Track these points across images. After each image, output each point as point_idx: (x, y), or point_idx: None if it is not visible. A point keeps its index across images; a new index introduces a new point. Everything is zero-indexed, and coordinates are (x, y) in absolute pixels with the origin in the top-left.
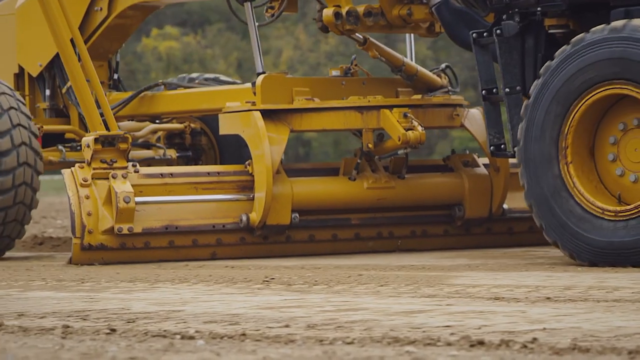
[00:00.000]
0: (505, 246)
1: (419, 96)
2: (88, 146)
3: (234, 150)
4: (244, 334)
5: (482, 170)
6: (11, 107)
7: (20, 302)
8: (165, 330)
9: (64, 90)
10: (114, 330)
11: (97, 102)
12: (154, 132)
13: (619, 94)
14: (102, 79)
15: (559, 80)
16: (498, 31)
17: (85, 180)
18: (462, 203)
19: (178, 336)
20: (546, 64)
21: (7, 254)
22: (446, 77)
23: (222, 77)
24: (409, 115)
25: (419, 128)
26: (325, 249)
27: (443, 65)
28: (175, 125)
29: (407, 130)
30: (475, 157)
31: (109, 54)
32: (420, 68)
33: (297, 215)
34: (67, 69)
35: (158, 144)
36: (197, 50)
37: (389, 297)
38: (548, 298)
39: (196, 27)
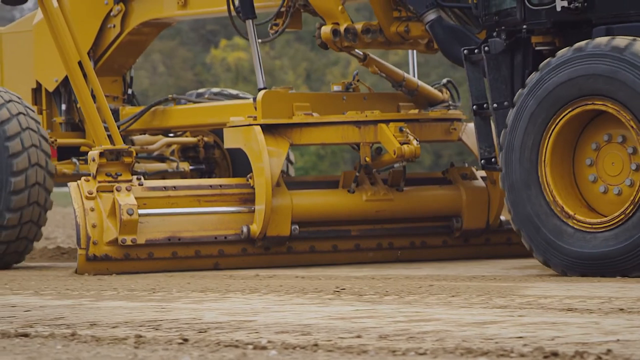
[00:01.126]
0: (503, 257)
1: (416, 111)
2: (93, 160)
3: (247, 163)
4: (316, 345)
5: (480, 182)
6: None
7: (92, 312)
8: (237, 341)
9: (79, 105)
10: (186, 340)
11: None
12: (169, 145)
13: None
14: (116, 94)
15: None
16: (486, 48)
17: (91, 193)
18: (459, 215)
19: (250, 346)
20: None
21: (55, 263)
22: (448, 92)
23: (228, 91)
24: (404, 129)
25: (414, 142)
26: (326, 260)
27: (444, 80)
28: (188, 139)
29: (402, 144)
30: (474, 169)
31: (123, 69)
32: (421, 83)
33: (297, 227)
34: (74, 86)
35: (172, 157)
36: (266, 61)
37: (461, 308)
38: (621, 309)
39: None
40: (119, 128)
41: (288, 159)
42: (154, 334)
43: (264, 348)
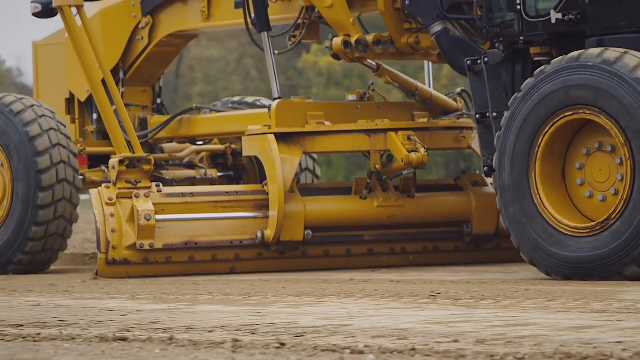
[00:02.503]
0: (514, 261)
1: (426, 120)
2: (113, 167)
3: None
4: (413, 349)
5: (490, 189)
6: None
7: (188, 316)
8: (334, 345)
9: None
10: (283, 344)
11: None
12: (198, 153)
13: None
14: (146, 103)
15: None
16: (486, 59)
17: (111, 200)
18: (470, 220)
19: (347, 351)
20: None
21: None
22: (462, 101)
23: (248, 99)
24: (412, 137)
25: (422, 150)
26: (340, 264)
27: (459, 90)
28: (216, 147)
29: (410, 152)
30: (484, 176)
31: (152, 79)
32: (434, 92)
33: (311, 232)
34: (95, 97)
35: (200, 165)
36: (358, 65)
37: (558, 312)
38: None
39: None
40: (146, 136)
41: (314, 172)
42: (250, 338)
43: (361, 352)
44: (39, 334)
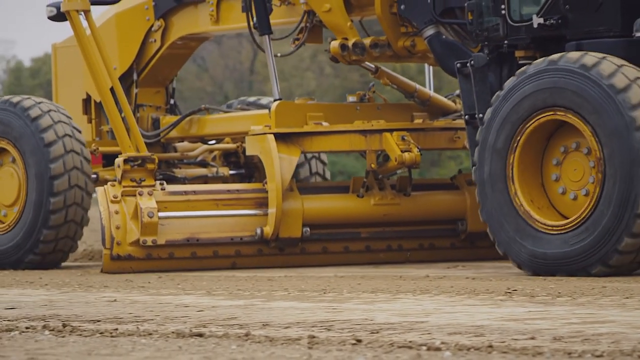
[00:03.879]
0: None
1: (420, 120)
2: (119, 166)
3: None
4: (490, 346)
5: None
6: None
7: (264, 312)
8: (410, 342)
9: (122, 115)
10: (359, 340)
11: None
12: (211, 151)
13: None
14: (159, 104)
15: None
16: (472, 62)
17: (116, 197)
18: (464, 218)
19: (424, 347)
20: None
21: None
22: (461, 102)
23: (263, 100)
24: (406, 138)
25: (415, 150)
26: (338, 260)
27: (457, 91)
28: (228, 145)
29: (403, 151)
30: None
31: (166, 80)
32: (433, 94)
33: (309, 229)
34: (102, 99)
35: (212, 163)
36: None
37: (636, 310)
38: None
39: None
40: (158, 135)
41: (323, 176)
42: (326, 335)
43: (437, 349)
44: (116, 329)
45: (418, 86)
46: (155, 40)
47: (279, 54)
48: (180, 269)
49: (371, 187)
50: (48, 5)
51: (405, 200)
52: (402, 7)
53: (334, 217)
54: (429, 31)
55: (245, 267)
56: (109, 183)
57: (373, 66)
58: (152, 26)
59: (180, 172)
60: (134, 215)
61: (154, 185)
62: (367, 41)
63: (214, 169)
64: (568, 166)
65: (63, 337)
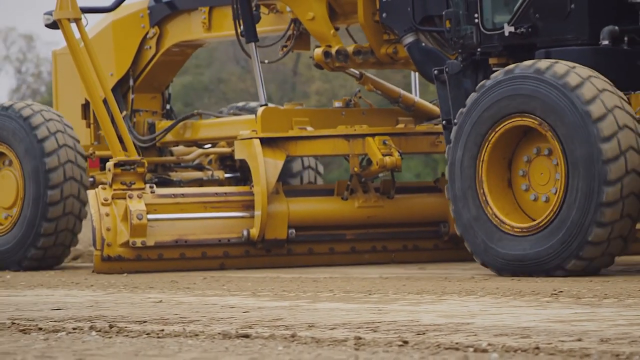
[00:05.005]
0: None
1: (402, 125)
2: (109, 170)
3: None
4: (537, 348)
5: None
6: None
7: (309, 313)
8: (457, 343)
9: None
10: (406, 342)
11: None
12: (207, 155)
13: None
14: (155, 109)
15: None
16: (447, 69)
17: (106, 200)
18: (447, 220)
19: (471, 349)
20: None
21: None
22: None
23: (252, 104)
24: (387, 142)
25: (396, 154)
26: (324, 261)
27: None
28: (223, 149)
29: (384, 155)
30: None
31: (162, 86)
32: (417, 99)
33: (294, 230)
34: (93, 107)
35: (207, 167)
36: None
37: None
38: None
39: None
40: (153, 140)
41: (316, 170)
42: (373, 336)
43: (484, 351)
44: (162, 330)
45: (402, 92)
46: (150, 47)
47: (266, 61)
48: (169, 269)
49: (355, 190)
50: (45, 14)
51: (388, 202)
52: (384, 15)
53: (319, 219)
54: (409, 39)
55: (233, 268)
56: (100, 186)
57: (358, 72)
58: (147, 33)
59: (175, 176)
60: (124, 217)
61: (143, 189)
62: (350, 48)
63: (209, 172)
64: (534, 173)
65: (110, 337)
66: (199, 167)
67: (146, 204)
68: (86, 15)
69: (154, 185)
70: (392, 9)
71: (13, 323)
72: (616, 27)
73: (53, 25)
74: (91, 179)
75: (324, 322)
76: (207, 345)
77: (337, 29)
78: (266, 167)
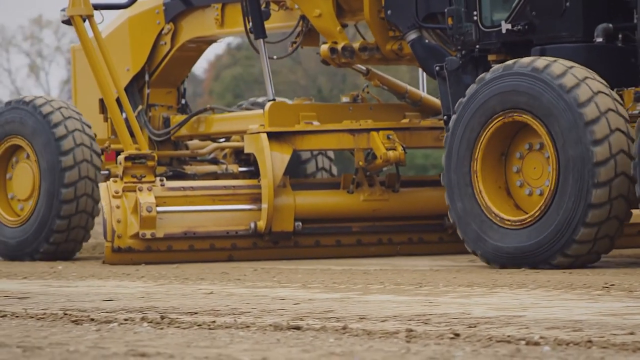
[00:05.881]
0: None
1: (407, 120)
2: (120, 163)
3: (294, 165)
4: (589, 341)
5: None
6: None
7: (360, 305)
8: (508, 336)
9: (135, 114)
10: (457, 334)
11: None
12: (222, 149)
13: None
14: (171, 104)
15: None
16: (446, 65)
17: (117, 192)
18: None
19: (523, 342)
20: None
21: None
22: None
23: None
24: (391, 137)
25: (400, 148)
26: (331, 253)
27: None
28: (237, 143)
29: (388, 150)
30: None
31: (177, 81)
32: (424, 95)
33: (300, 223)
34: (105, 101)
35: (222, 160)
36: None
37: None
38: None
39: None
40: (168, 134)
41: (330, 172)
42: (424, 328)
43: (536, 344)
44: (214, 321)
45: (409, 87)
46: (165, 43)
47: (274, 57)
48: (178, 261)
49: (361, 184)
50: (62, 10)
51: (393, 196)
52: (389, 12)
53: (324, 212)
54: (412, 35)
55: (241, 259)
56: (111, 179)
57: (364, 68)
58: (162, 29)
59: (190, 169)
60: (134, 209)
61: (154, 182)
62: (356, 45)
63: (224, 166)
64: (528, 168)
65: (161, 329)
66: (214, 161)
67: (156, 197)
68: (102, 11)
69: (164, 179)
70: (396, 6)
71: (65, 314)
72: (610, 25)
73: (69, 21)
74: (106, 172)
75: (374, 314)
76: (258, 336)
77: (345, 26)
78: (273, 160)
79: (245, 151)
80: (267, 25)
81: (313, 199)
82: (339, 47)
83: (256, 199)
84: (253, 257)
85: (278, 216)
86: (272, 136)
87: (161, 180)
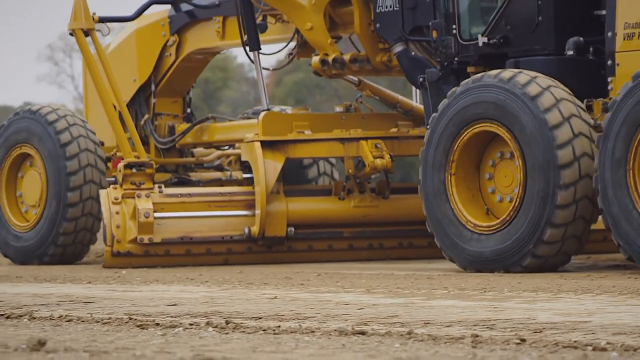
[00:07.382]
0: None
1: (395, 129)
2: (120, 171)
3: (296, 171)
4: None
5: None
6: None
7: (425, 311)
8: (575, 342)
9: (142, 123)
10: (523, 340)
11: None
12: (227, 156)
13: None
14: (176, 113)
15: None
16: (426, 77)
17: (117, 199)
18: None
19: (589, 347)
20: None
21: None
22: None
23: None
24: (379, 145)
25: (387, 156)
26: (323, 258)
27: None
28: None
29: (376, 158)
30: None
31: (183, 91)
32: (415, 104)
33: (293, 228)
34: (106, 111)
35: (226, 167)
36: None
37: None
38: None
39: None
40: (173, 141)
41: (332, 176)
42: (489, 334)
43: (603, 350)
44: (279, 326)
45: (400, 97)
46: (170, 54)
47: (270, 68)
48: (175, 265)
49: (352, 191)
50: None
51: (383, 202)
52: (378, 25)
53: (316, 218)
54: (398, 47)
55: (237, 263)
56: (111, 186)
57: (356, 79)
58: (167, 41)
59: (195, 176)
60: (132, 215)
61: (152, 188)
62: (347, 56)
63: (228, 173)
64: (500, 174)
65: (226, 333)
66: (219, 168)
67: (154, 203)
68: (109, 24)
69: (162, 185)
70: (384, 19)
71: (130, 318)
72: (581, 38)
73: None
74: (113, 179)
75: (439, 319)
76: (323, 341)
77: (339, 38)
78: (266, 168)
79: (242, 159)
80: (265, 37)
81: (305, 205)
82: (330, 58)
83: (250, 205)
84: (248, 261)
85: (271, 222)
86: (266, 145)
87: (159, 187)
